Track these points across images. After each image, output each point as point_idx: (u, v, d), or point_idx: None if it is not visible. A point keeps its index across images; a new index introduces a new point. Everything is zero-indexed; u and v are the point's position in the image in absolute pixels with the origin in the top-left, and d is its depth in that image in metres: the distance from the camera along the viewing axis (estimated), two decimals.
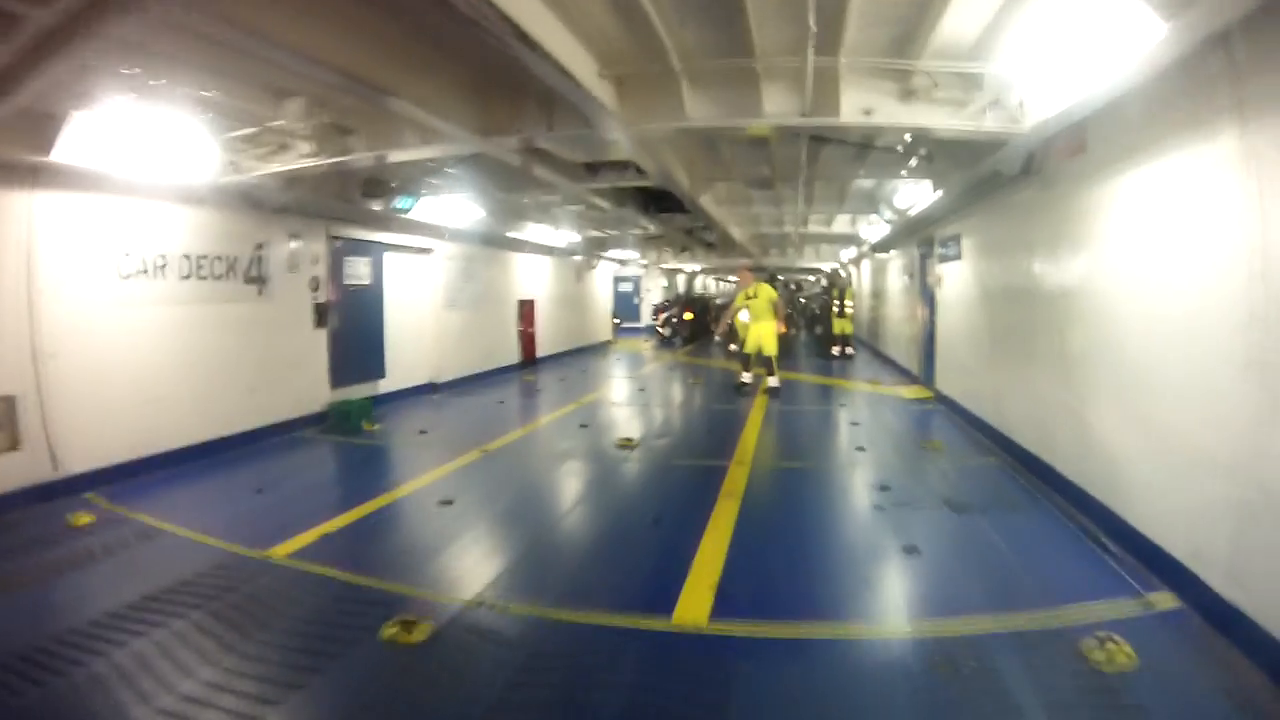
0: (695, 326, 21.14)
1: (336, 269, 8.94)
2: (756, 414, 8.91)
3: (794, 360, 15.37)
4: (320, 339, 8.70)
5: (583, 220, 13.05)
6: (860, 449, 6.96)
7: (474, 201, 10.08)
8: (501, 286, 13.33)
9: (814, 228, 14.81)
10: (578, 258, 17.31)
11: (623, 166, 7.62)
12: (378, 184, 8.34)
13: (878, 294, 16.85)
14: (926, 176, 8.21)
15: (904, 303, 12.99)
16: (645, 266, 25.08)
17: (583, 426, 8.21)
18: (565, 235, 14.23)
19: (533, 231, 13.54)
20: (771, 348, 10.66)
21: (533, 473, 6.39)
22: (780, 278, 24.51)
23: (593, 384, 12.04)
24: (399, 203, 8.66)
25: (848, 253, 18.77)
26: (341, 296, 9.00)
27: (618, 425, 8.49)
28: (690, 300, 24.21)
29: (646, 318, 26.24)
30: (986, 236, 7.70)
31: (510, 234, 12.79)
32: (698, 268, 27.29)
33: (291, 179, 7.15)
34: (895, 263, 14.06)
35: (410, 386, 10.60)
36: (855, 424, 8.30)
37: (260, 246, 7.93)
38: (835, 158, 8.23)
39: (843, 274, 20.00)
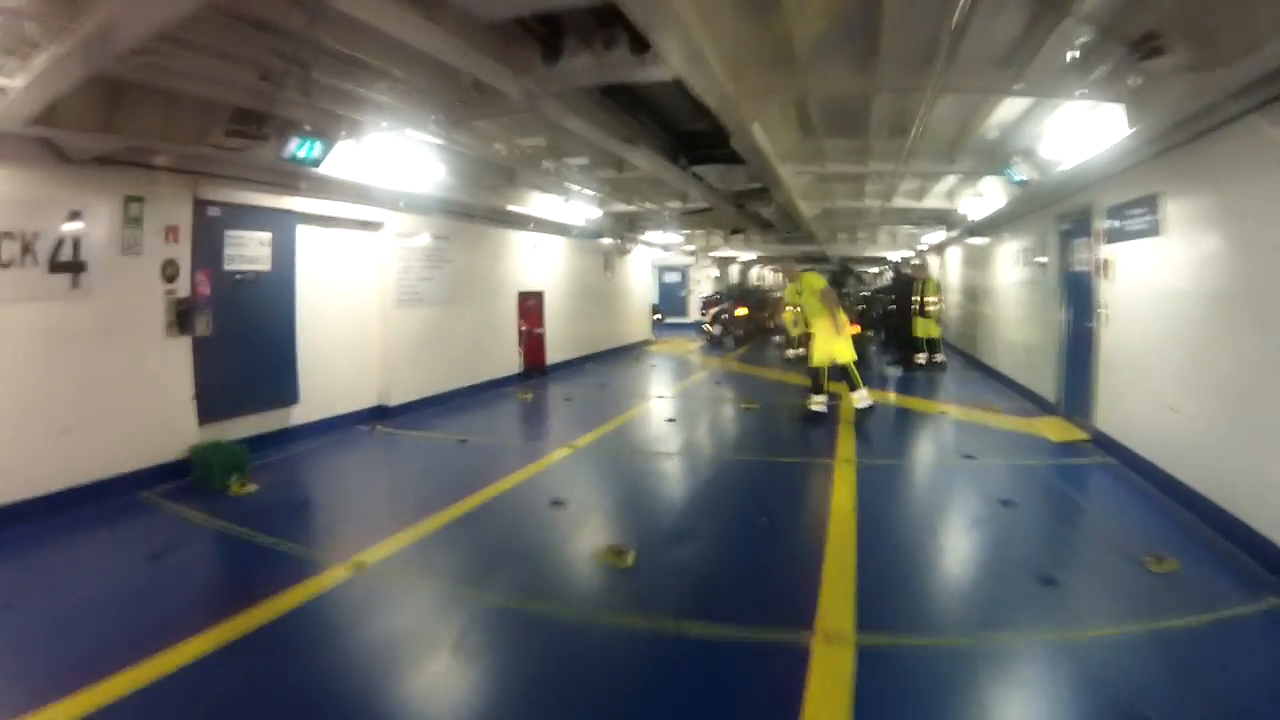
0: (750, 324, 17.85)
1: (210, 248, 6.18)
2: (842, 480, 5.70)
3: (867, 370, 11.98)
4: (180, 351, 5.96)
5: (601, 188, 10.05)
6: (1048, 581, 3.68)
7: (433, 155, 7.19)
8: (493, 275, 10.43)
9: (902, 201, 11.32)
10: (606, 241, 14.29)
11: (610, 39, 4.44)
12: (253, 118, 5.49)
13: (973, 288, 13.24)
14: (1118, 99, 4.81)
15: (1026, 298, 9.47)
16: (692, 254, 21.90)
17: (555, 504, 5.15)
18: (581, 210, 11.23)
19: (539, 205, 10.60)
20: (846, 354, 7.73)
21: (419, 633, 3.41)
22: (847, 269, 20.65)
23: (608, 409, 8.98)
24: (295, 149, 5.79)
25: (933, 237, 15.18)
26: (220, 288, 6.25)
27: (614, 502, 5.45)
28: (744, 293, 20.97)
29: (695, 312, 23.10)
30: (1230, 194, 4.34)
31: (504, 206, 9.89)
32: (753, 255, 24.00)
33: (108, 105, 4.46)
34: (1007, 246, 10.49)
35: (343, 414, 7.82)
36: (1006, 503, 5.00)
37: (75, 216, 5.25)
38: (976, 56, 4.91)
39: (916, 263, 16.30)
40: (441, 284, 9.31)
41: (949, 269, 16.02)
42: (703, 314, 20.83)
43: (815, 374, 8.04)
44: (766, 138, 6.41)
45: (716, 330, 17.25)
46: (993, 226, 10.95)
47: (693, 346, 17.30)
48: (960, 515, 4.97)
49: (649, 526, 4.75)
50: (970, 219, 11.08)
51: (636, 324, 16.49)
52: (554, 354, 11.99)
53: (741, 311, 17.44)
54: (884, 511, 4.95)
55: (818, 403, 7.97)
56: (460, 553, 4.34)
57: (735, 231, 14.45)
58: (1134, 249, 5.78)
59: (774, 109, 6.59)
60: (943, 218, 12.76)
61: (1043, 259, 8.67)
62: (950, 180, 10.38)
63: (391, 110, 5.54)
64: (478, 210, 9.68)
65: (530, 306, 11.38)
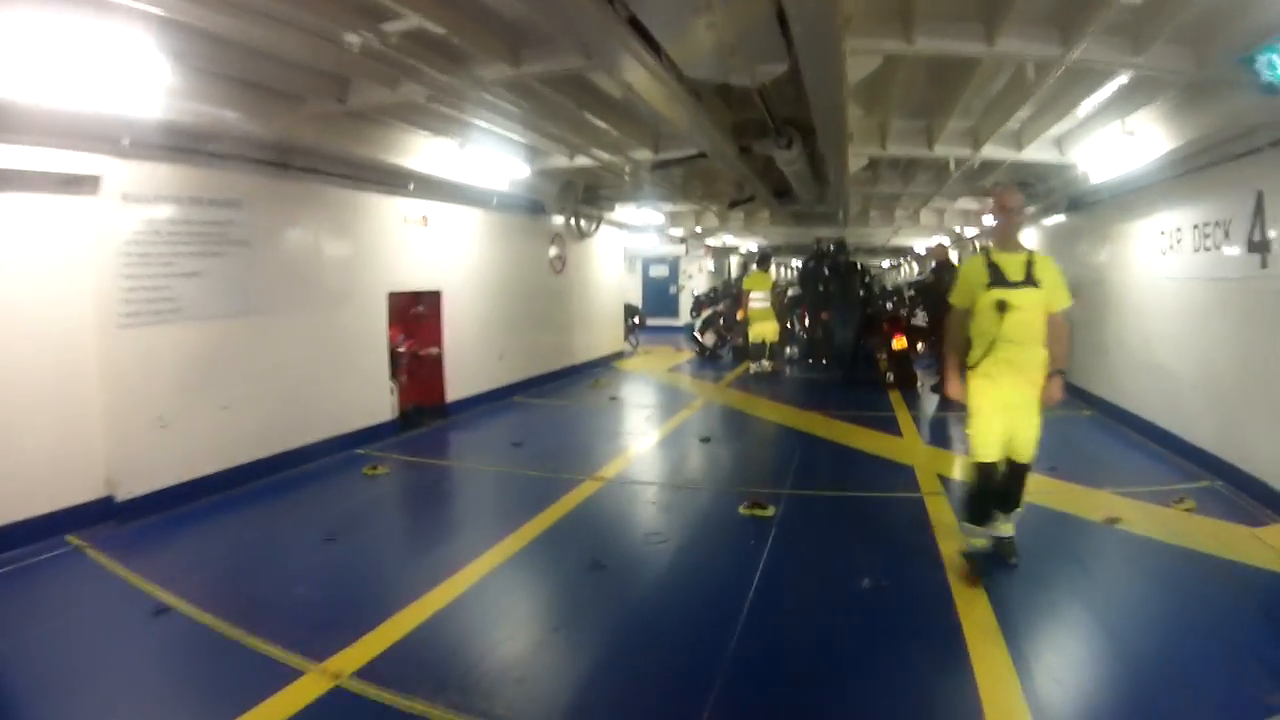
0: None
1: None
2: None
3: (916, 412, 8.24)
4: None
5: (527, 120, 6.24)
6: None
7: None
8: (337, 265, 6.54)
9: (992, 149, 7.47)
10: (556, 220, 10.44)
11: None
12: None
13: (1076, 288, 9.39)
14: None
15: (1206, 304, 5.67)
16: (682, 241, 18.06)
17: None
18: (502, 164, 7.40)
19: (426, 154, 6.79)
20: None
21: None
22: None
23: (491, 516, 5.17)
24: None
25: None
26: None
27: None
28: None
29: (687, 313, 19.28)
30: None
31: (354, 151, 6.10)
32: (763, 242, 20.19)
33: None
34: (1159, 222, 6.60)
35: (30, 519, 4.08)
36: None
37: None
38: None
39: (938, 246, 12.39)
40: (226, 283, 5.49)
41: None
42: (693, 316, 17.00)
43: None
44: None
45: (710, 340, 13.38)
46: (1133, 190, 7.10)
47: (679, 360, 13.45)
48: None
49: None
50: (1091, 178, 7.31)
51: (603, 333, 12.59)
52: (460, 385, 8.12)
53: (743, 315, 13.58)
54: None
55: None
56: None
57: (735, 204, 10.58)
58: None
59: None
60: (1041, 177, 8.94)
61: (1247, 241, 4.90)
62: (1066, 123, 6.59)
63: None
64: (298, 156, 5.86)
65: (416, 315, 7.54)
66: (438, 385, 7.81)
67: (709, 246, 20.00)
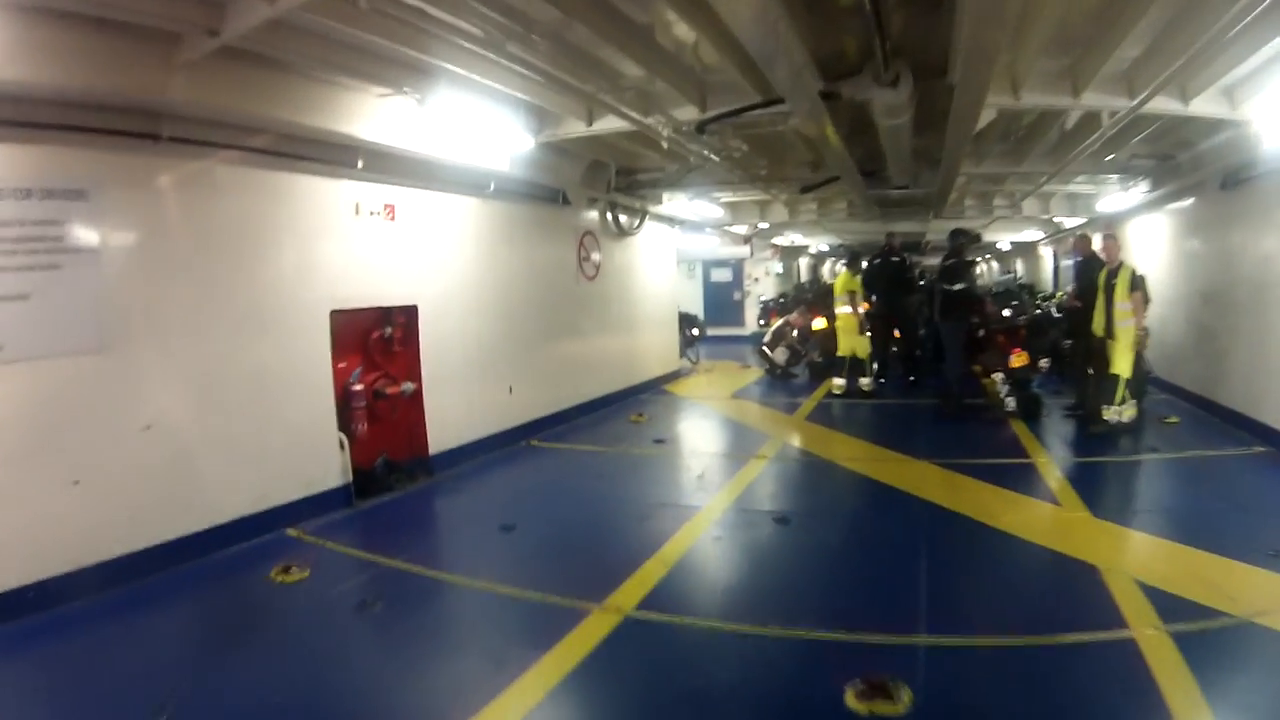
0: (833, 344, 11.71)
1: None
2: None
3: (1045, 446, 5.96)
4: None
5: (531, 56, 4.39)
6: None
7: None
8: (249, 275, 4.70)
9: (1163, 100, 5.16)
10: (589, 215, 8.56)
11: None
12: None
13: (1227, 288, 7.16)
14: None
15: None
16: (747, 240, 15.96)
17: None
18: (488, 127, 5.56)
19: (381, 124, 5.00)
20: None
21: None
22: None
23: (425, 691, 3.24)
24: None
25: (1116, 200, 9.20)
26: None
27: None
28: (828, 293, 15.09)
29: (754, 321, 17.12)
30: None
31: (268, 113, 4.37)
32: (835, 241, 17.95)
33: None
34: None
35: None
36: None
37: None
38: None
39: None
40: (65, 308, 3.81)
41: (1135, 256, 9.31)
42: (760, 326, 14.83)
43: None
44: None
45: (782, 357, 11.17)
46: None
47: (746, 381, 11.31)
48: None
49: None
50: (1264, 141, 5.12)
51: (651, 350, 10.60)
52: (449, 431, 6.25)
53: (820, 324, 11.35)
54: None
55: None
56: None
57: (809, 188, 8.38)
58: None
59: None
60: (1183, 144, 6.68)
61: None
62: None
63: None
64: (174, 125, 4.13)
65: (382, 341, 5.71)
66: (415, 432, 5.99)
67: (776, 246, 17.86)
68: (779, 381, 10.98)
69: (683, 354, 12.35)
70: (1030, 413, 7.49)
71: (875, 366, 9.51)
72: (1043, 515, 4.80)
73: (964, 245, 8.67)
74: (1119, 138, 6.58)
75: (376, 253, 5.64)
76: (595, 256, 8.71)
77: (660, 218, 10.37)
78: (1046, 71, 5.33)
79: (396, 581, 4.03)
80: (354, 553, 4.49)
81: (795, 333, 11.24)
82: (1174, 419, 7.27)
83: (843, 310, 9.37)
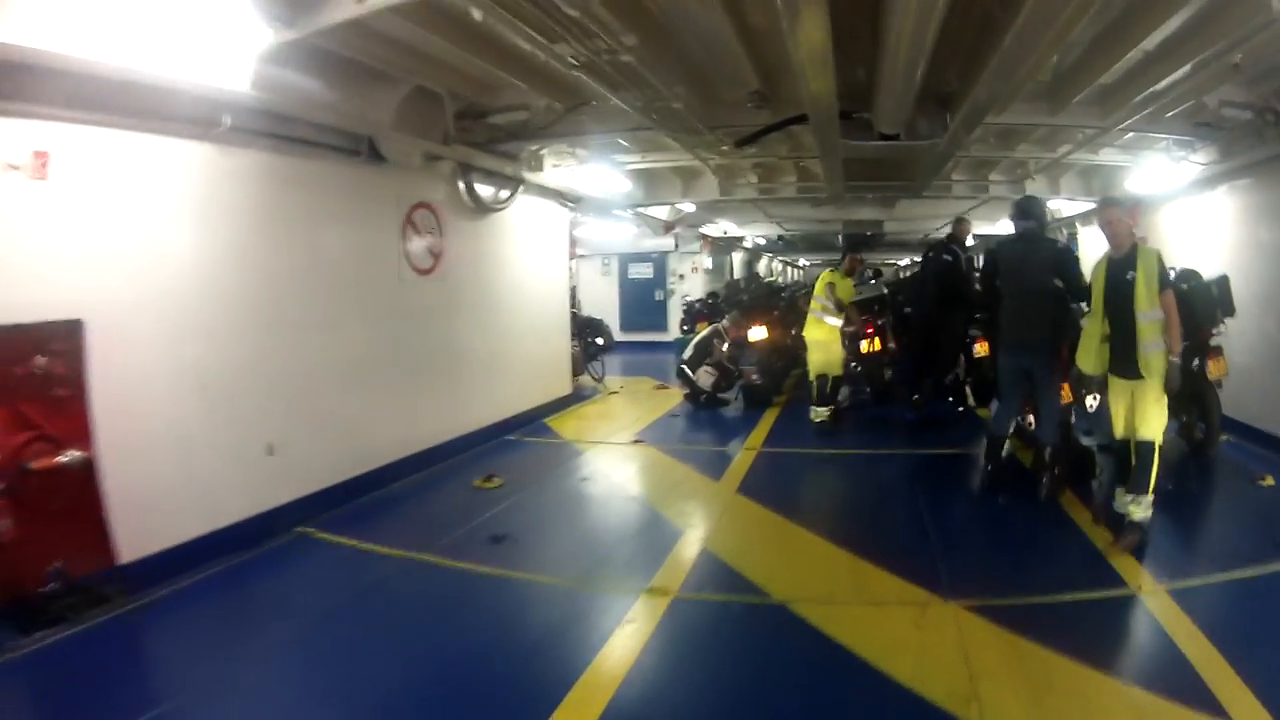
0: (776, 359, 9.62)
1: None
2: None
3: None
4: None
5: None
6: None
7: None
8: None
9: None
10: (429, 182, 6.16)
11: None
12: None
13: None
14: None
15: None
16: (672, 228, 13.82)
17: None
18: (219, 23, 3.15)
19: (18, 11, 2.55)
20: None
21: None
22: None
23: None
24: None
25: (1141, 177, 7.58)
26: None
27: None
28: (761, 298, 13.13)
29: (677, 327, 14.95)
30: None
31: None
32: (776, 231, 16.21)
33: None
34: None
35: None
36: None
37: None
38: None
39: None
40: None
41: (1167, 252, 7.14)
42: (685, 332, 12.72)
43: None
44: None
45: (706, 380, 8.91)
46: None
47: (660, 411, 9.01)
48: None
49: None
50: None
51: (529, 371, 8.19)
52: (156, 521, 3.84)
53: (759, 334, 9.26)
54: None
55: None
56: None
57: (749, 139, 6.10)
58: None
59: None
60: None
61: None
62: None
63: None
64: None
65: (24, 381, 3.25)
66: (88, 528, 3.55)
67: (706, 237, 15.85)
68: (704, 411, 8.80)
69: (583, 370, 10.05)
70: (1080, 472, 5.36)
71: (916, 397, 7.70)
72: None
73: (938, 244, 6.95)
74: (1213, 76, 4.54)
75: (13, 234, 3.21)
76: (435, 241, 6.27)
77: (544, 190, 8.04)
78: None
79: None
80: None
81: (726, 346, 9.10)
82: (1269, 479, 5.16)
83: (828, 320, 7.27)
